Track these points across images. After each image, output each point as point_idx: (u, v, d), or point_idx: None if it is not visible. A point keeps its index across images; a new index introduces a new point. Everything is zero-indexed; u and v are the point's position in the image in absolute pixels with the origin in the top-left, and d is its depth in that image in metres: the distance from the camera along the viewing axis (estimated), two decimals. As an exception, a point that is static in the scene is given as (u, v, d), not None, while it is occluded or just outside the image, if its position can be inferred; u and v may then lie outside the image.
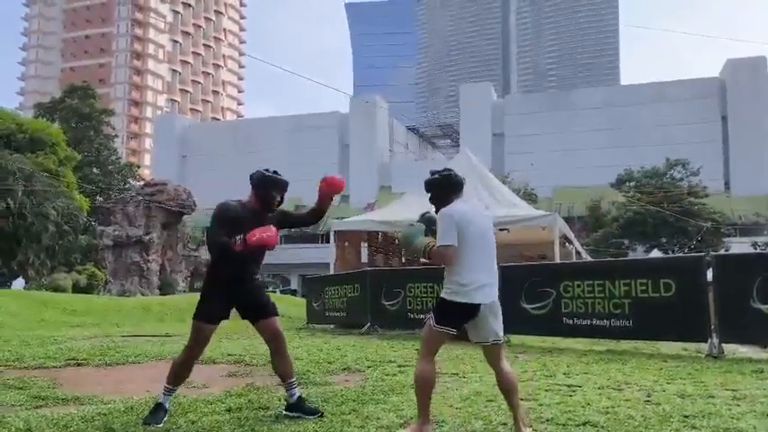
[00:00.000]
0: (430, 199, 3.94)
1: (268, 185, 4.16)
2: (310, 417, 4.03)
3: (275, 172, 4.23)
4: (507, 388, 3.67)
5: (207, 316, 4.11)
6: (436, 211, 3.84)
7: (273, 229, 3.94)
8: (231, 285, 4.14)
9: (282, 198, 4.24)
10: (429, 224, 3.83)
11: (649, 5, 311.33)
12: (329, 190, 4.25)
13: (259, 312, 4.22)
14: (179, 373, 4.14)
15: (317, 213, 4.38)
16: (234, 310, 4.25)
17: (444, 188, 3.85)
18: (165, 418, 3.96)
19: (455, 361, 6.92)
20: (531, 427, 3.76)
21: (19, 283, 26.40)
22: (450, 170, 3.95)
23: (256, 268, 4.28)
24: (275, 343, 4.23)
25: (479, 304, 3.60)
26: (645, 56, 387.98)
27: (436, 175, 3.92)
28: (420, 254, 3.76)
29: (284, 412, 4.16)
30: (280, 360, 4.24)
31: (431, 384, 3.65)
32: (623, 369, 6.32)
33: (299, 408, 4.13)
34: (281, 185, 4.20)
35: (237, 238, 3.87)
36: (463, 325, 3.67)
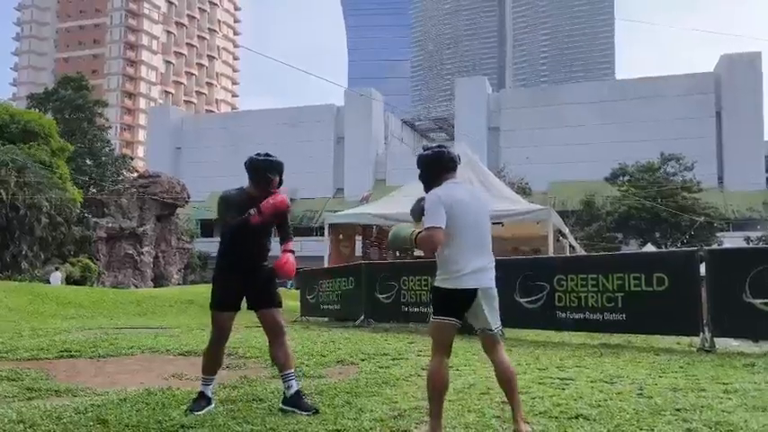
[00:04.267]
0: (419, 176, 3.73)
1: (261, 168, 4.18)
2: (304, 413, 3.94)
3: (267, 154, 4.25)
4: (504, 380, 3.48)
5: (219, 304, 4.19)
6: (426, 191, 3.61)
7: (282, 194, 4.05)
8: (241, 271, 4.17)
9: (281, 179, 4.23)
10: (422, 211, 3.58)
11: (652, 2, 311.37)
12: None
13: (264, 301, 4.23)
14: (208, 363, 4.22)
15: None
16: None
17: (435, 166, 3.63)
18: (210, 407, 4.06)
19: (449, 354, 6.93)
20: (526, 422, 3.58)
21: (56, 277, 26.19)
22: (443, 146, 3.74)
23: (265, 253, 4.30)
24: (275, 333, 4.24)
25: (475, 289, 3.42)
26: (640, 51, 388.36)
27: (428, 151, 3.72)
28: (409, 243, 3.56)
29: (280, 406, 4.09)
30: (278, 350, 4.22)
31: (441, 385, 3.39)
32: (616, 362, 6.35)
33: (295, 402, 4.04)
34: (275, 165, 4.21)
35: (250, 211, 3.97)
36: (464, 313, 3.48)
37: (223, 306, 4.18)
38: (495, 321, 3.52)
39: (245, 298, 4.25)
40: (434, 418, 3.38)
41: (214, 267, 4.38)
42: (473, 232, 3.50)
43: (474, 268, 3.45)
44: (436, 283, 3.53)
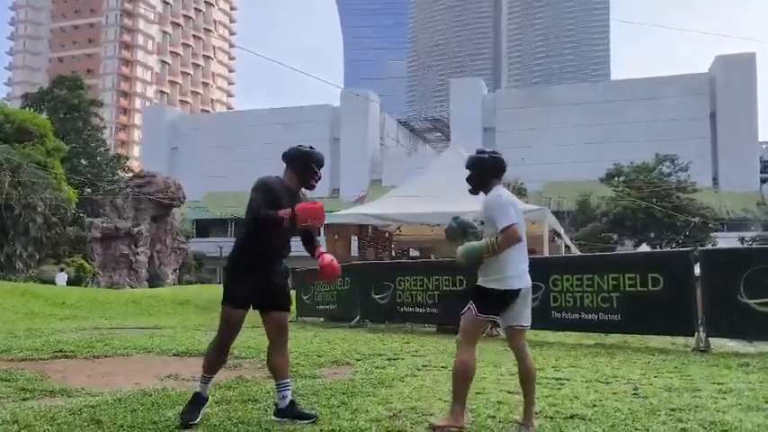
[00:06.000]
0: (468, 178, 3.84)
1: (309, 159, 3.93)
2: (306, 422, 3.76)
3: (311, 147, 4.01)
4: (528, 375, 3.68)
5: (234, 300, 3.86)
6: (472, 192, 3.80)
7: (320, 203, 3.82)
8: (260, 266, 3.87)
9: (320, 175, 3.99)
10: (464, 228, 3.76)
11: (649, 3, 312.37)
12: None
13: (276, 302, 3.95)
14: (213, 360, 3.95)
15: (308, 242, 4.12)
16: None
17: (490, 171, 3.78)
18: (205, 408, 3.86)
19: (444, 354, 6.94)
20: (535, 417, 3.73)
21: (62, 278, 26.25)
22: (498, 153, 3.86)
23: (287, 251, 4.00)
24: (280, 337, 3.96)
25: (519, 289, 3.63)
26: (636, 52, 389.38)
27: (485, 155, 3.82)
28: (488, 252, 3.60)
29: (273, 418, 3.87)
30: (280, 356, 3.96)
31: (471, 373, 3.62)
32: (611, 363, 6.37)
33: (291, 413, 3.85)
34: (321, 159, 3.98)
35: (283, 213, 3.67)
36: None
37: (239, 303, 3.86)
38: (529, 317, 3.76)
39: (256, 296, 3.94)
40: (460, 404, 3.57)
41: (230, 259, 3.98)
42: (522, 236, 3.68)
43: (523, 270, 3.69)
44: (488, 285, 3.65)
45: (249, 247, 3.90)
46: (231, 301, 3.87)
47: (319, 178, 3.99)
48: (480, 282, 3.70)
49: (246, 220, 3.89)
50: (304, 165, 3.93)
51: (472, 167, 3.82)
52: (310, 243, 4.07)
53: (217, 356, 3.96)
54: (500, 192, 3.73)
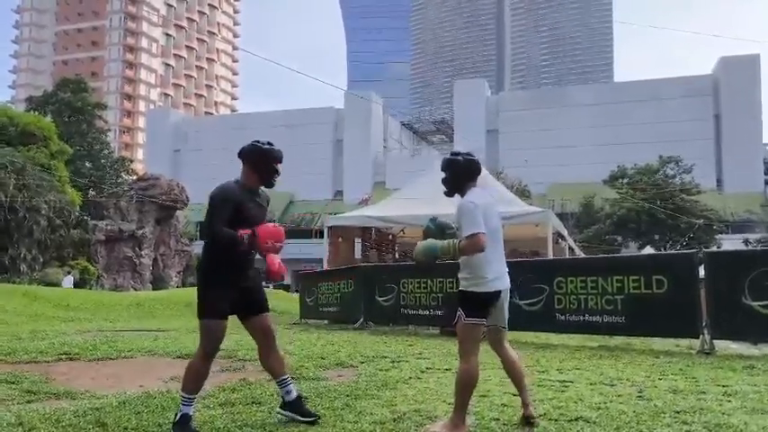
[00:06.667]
0: (443, 180, 3.82)
1: (268, 157, 3.82)
2: (304, 420, 3.81)
3: (269, 143, 3.88)
4: (514, 370, 3.79)
5: (217, 311, 3.71)
6: (447, 194, 3.81)
7: (280, 229, 3.73)
8: (234, 275, 3.77)
9: (279, 171, 3.89)
10: (443, 229, 3.77)
11: (644, 2, 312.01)
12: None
13: (254, 307, 3.90)
14: (195, 379, 3.71)
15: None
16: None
17: (464, 172, 3.78)
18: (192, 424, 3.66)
19: (448, 357, 6.93)
20: (534, 415, 3.77)
21: (69, 281, 26.40)
22: (472, 155, 3.84)
23: (253, 256, 3.91)
24: (267, 340, 3.93)
25: (500, 291, 3.70)
26: (639, 53, 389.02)
27: (459, 157, 3.80)
28: (450, 255, 3.62)
29: (278, 410, 3.95)
30: (272, 357, 3.96)
31: (473, 384, 3.63)
32: (615, 365, 6.35)
33: (295, 408, 3.87)
34: (280, 155, 3.88)
35: (245, 236, 3.58)
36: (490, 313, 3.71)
37: (221, 314, 3.72)
38: (506, 318, 3.85)
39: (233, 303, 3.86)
40: (462, 411, 3.58)
41: (200, 273, 3.86)
42: (497, 236, 3.72)
43: (500, 272, 3.72)
44: (468, 288, 3.68)
45: (217, 259, 3.77)
46: (212, 314, 3.72)
47: (278, 174, 3.88)
48: (462, 286, 3.72)
49: (207, 233, 3.75)
50: (264, 162, 3.82)
51: (446, 169, 3.81)
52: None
53: (200, 374, 3.73)
54: (473, 196, 3.66)
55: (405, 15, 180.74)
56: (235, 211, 3.69)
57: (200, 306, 3.76)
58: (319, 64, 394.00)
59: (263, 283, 4.14)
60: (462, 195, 3.76)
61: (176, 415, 3.63)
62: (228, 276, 3.76)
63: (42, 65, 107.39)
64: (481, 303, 3.65)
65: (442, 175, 3.85)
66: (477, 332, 3.67)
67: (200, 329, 3.77)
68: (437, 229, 3.80)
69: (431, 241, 3.72)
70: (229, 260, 3.75)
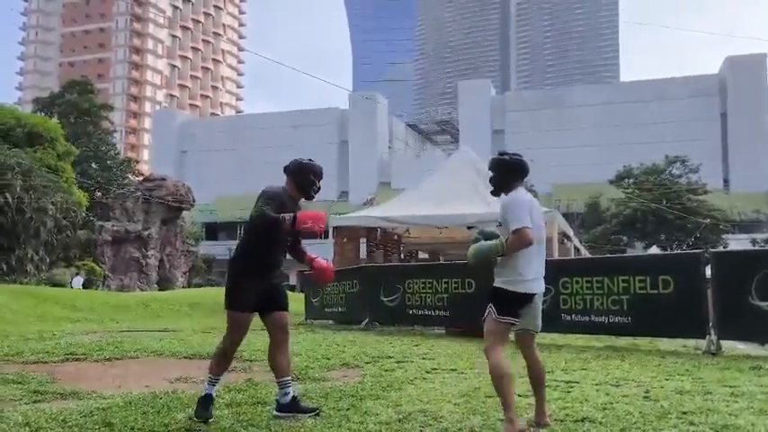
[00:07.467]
0: (491, 179, 3.88)
1: (309, 171, 4.21)
2: (307, 415, 3.91)
3: (310, 160, 4.28)
4: (538, 376, 3.75)
5: (241, 305, 4.05)
6: (494, 194, 3.86)
7: (322, 213, 4.07)
8: (263, 272, 4.08)
9: (319, 185, 4.29)
10: (489, 237, 3.79)
11: (650, 2, 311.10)
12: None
13: (277, 304, 4.16)
14: (221, 362, 4.11)
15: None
16: None
17: (513, 173, 3.81)
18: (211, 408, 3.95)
19: (453, 357, 6.92)
20: (549, 423, 3.75)
21: (78, 281, 26.57)
22: (519, 155, 3.88)
23: (284, 258, 4.27)
24: (282, 336, 4.16)
25: (534, 294, 3.69)
26: (645, 53, 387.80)
27: (506, 157, 3.85)
28: (497, 253, 3.66)
29: (274, 413, 4.01)
30: (281, 355, 4.12)
31: (506, 375, 3.53)
32: (622, 365, 6.33)
33: (292, 408, 3.99)
34: (320, 171, 4.27)
35: (286, 217, 3.90)
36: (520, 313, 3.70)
37: (248, 307, 4.06)
38: (539, 324, 3.82)
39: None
40: (510, 409, 3.47)
41: (233, 265, 4.18)
42: (538, 240, 3.71)
43: (537, 274, 3.72)
44: (503, 286, 3.68)
45: (252, 253, 4.11)
46: (239, 307, 4.06)
47: (319, 189, 4.28)
48: (497, 283, 3.72)
49: (249, 227, 4.13)
50: (304, 177, 4.22)
51: (494, 169, 3.87)
52: (297, 249, 4.32)
53: (224, 358, 4.11)
54: (518, 194, 3.73)
55: (409, 16, 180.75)
56: (278, 211, 3.98)
57: (228, 297, 4.10)
58: (321, 64, 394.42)
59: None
60: (507, 194, 3.82)
61: (202, 392, 4.02)
62: (257, 274, 4.07)
63: (49, 67, 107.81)
64: (515, 303, 3.65)
65: (490, 174, 3.92)
66: (504, 329, 3.68)
67: (227, 319, 4.10)
68: (485, 237, 3.83)
69: (480, 243, 3.76)
70: (260, 259, 4.08)
